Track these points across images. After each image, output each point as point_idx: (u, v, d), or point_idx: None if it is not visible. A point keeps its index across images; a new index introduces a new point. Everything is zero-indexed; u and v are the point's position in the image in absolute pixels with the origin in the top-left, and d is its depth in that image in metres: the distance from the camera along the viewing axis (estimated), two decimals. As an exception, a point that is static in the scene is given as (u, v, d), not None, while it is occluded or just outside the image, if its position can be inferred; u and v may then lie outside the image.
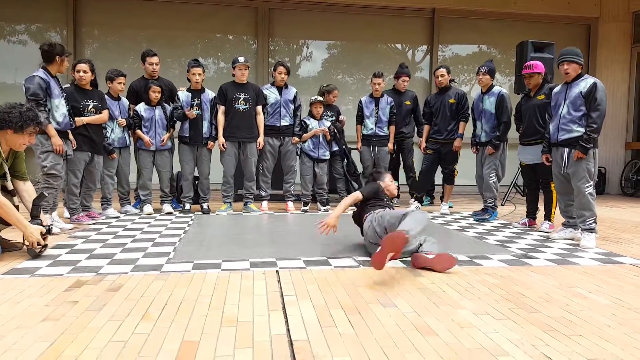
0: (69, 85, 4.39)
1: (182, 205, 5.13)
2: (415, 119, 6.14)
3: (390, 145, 5.75)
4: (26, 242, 3.00)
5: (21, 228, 2.96)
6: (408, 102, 6.00)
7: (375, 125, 5.68)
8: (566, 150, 3.71)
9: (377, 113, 5.68)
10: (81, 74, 4.20)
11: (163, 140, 4.94)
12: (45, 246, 3.04)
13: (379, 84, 5.62)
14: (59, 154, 3.85)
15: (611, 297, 2.37)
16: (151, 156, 4.96)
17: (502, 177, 4.98)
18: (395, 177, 6.34)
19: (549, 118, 4.00)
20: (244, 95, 5.04)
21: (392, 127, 5.74)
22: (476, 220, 4.83)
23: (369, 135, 5.71)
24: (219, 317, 2.02)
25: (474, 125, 5.05)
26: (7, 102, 3.15)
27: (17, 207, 3.07)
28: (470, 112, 5.25)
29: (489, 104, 4.81)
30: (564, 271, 2.88)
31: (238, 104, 5.02)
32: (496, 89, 4.86)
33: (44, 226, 3.09)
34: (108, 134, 4.65)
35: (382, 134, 5.68)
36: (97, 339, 1.78)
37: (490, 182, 4.82)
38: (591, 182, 3.64)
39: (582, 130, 3.61)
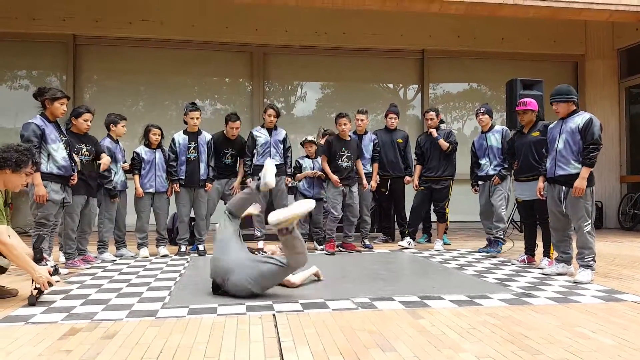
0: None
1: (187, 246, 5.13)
2: (405, 158, 6.02)
3: (373, 183, 5.60)
4: (35, 286, 2.95)
5: (29, 270, 2.92)
6: (400, 140, 5.99)
7: None
8: (564, 189, 3.72)
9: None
10: (88, 123, 4.29)
11: (168, 191, 5.04)
12: (41, 292, 3.00)
13: (362, 120, 5.62)
14: (54, 203, 3.83)
15: (615, 337, 2.34)
16: (150, 199, 4.96)
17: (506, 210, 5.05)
18: (388, 217, 6.29)
19: (545, 152, 4.04)
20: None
21: (376, 165, 5.67)
22: (487, 254, 4.92)
23: None
24: (215, 365, 1.98)
25: (477, 164, 5.17)
26: (3, 143, 3.17)
27: None
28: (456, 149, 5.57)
29: (495, 140, 5.02)
30: (566, 310, 2.84)
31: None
32: (498, 126, 5.12)
33: (50, 266, 3.09)
34: (112, 177, 4.67)
35: (365, 171, 5.55)
36: (90, 391, 1.72)
37: (502, 213, 4.89)
38: (589, 221, 3.65)
39: (580, 166, 3.64)
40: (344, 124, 5.15)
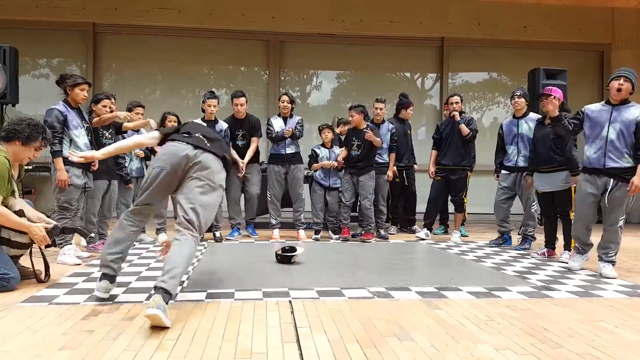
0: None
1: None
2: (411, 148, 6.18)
3: (390, 173, 5.54)
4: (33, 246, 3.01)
5: (24, 229, 2.96)
6: (409, 132, 6.05)
7: None
8: (612, 181, 3.53)
9: None
10: (107, 109, 4.33)
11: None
12: (54, 242, 3.08)
13: (380, 109, 5.60)
14: (76, 188, 3.90)
15: (639, 333, 2.29)
16: (167, 185, 5.01)
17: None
18: (399, 207, 6.24)
19: (564, 128, 3.80)
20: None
21: (393, 155, 5.60)
22: (521, 250, 4.72)
23: None
24: (233, 348, 2.00)
25: (503, 150, 4.93)
26: (16, 116, 3.21)
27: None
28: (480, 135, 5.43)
29: (528, 128, 4.68)
30: (588, 304, 2.79)
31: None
32: (533, 114, 4.78)
33: (54, 227, 3.08)
34: (126, 164, 4.74)
35: (381, 161, 5.49)
36: (112, 371, 1.76)
37: (532, 210, 4.76)
38: (625, 215, 3.59)
39: (631, 161, 3.49)
40: (350, 116, 5.25)
